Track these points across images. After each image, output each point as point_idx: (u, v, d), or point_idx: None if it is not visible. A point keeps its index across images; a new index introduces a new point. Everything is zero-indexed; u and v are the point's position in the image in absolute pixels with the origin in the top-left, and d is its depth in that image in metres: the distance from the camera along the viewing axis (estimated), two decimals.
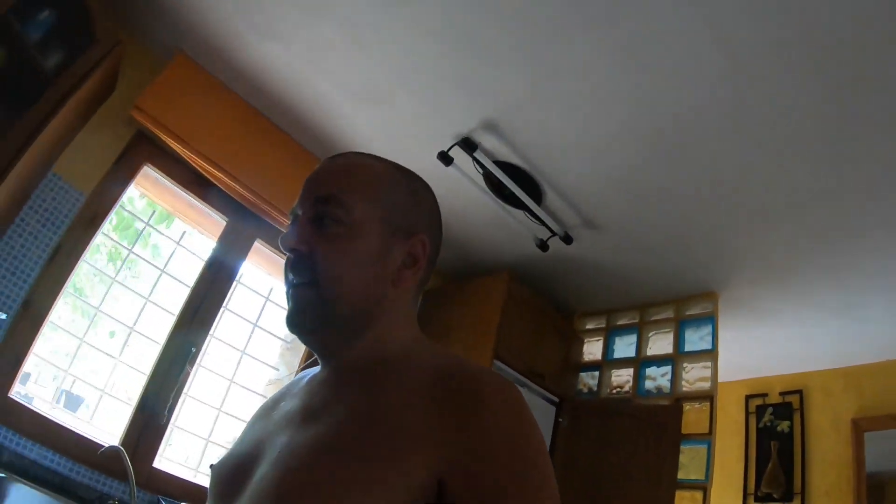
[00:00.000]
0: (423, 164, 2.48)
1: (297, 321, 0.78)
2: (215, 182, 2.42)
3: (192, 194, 2.48)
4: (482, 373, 0.69)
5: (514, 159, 2.36)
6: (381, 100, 2.30)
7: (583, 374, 3.00)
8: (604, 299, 3.07)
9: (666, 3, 1.63)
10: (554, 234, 2.58)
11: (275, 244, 2.70)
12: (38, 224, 2.20)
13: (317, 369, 0.86)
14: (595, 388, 2.92)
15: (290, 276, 0.79)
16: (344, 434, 0.66)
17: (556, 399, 2.82)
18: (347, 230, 0.77)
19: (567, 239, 2.60)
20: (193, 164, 2.36)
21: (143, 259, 2.51)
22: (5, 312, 2.00)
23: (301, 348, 2.78)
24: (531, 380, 2.71)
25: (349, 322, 0.77)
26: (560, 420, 2.77)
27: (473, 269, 3.16)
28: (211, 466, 0.81)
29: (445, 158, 2.34)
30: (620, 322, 3.03)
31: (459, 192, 2.59)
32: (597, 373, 2.95)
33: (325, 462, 0.63)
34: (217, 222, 2.57)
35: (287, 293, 0.80)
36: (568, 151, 2.26)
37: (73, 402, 2.36)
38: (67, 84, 2.05)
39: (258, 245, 2.66)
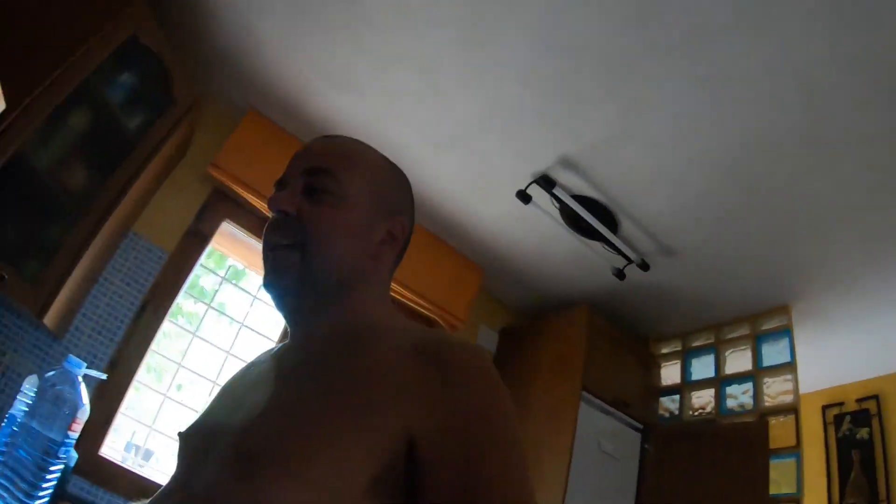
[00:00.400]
0: (501, 203, 2.49)
1: (277, 281, 0.79)
2: None
3: None
4: (460, 342, 0.71)
5: (590, 193, 2.35)
6: (460, 144, 2.30)
7: (663, 399, 2.96)
8: (678, 323, 3.03)
9: (740, 37, 1.65)
10: (630, 261, 2.56)
11: None
12: (122, 283, 2.23)
13: (285, 343, 0.87)
14: (677, 412, 2.87)
15: (274, 238, 0.80)
16: (317, 390, 0.66)
17: (640, 426, 2.79)
18: (336, 200, 0.79)
19: (644, 266, 2.58)
20: None
21: (215, 309, 2.51)
22: (96, 370, 2.01)
23: None
24: (617, 409, 2.69)
25: (327, 288, 0.79)
26: (646, 447, 2.74)
27: (553, 304, 3.15)
28: (179, 434, 0.80)
29: (524, 197, 2.33)
30: (696, 344, 2.99)
31: (537, 228, 2.60)
32: (677, 396, 2.91)
33: (295, 415, 0.63)
34: None
35: (266, 255, 0.81)
36: (645, 182, 2.25)
37: (145, 455, 2.37)
38: (150, 145, 2.10)
39: None
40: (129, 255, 2.26)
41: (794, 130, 1.90)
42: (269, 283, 0.80)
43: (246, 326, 2.46)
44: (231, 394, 0.82)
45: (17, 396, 1.95)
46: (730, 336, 2.90)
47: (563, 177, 2.31)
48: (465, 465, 0.60)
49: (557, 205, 2.38)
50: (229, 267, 2.56)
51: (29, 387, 1.92)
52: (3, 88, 1.29)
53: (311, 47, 2.13)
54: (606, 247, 2.52)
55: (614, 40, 1.76)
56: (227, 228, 2.42)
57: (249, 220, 2.44)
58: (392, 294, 2.66)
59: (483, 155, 2.33)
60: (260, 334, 2.46)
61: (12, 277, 1.70)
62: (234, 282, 2.56)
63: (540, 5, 1.74)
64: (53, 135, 1.82)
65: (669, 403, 2.92)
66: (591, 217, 2.36)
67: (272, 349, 0.91)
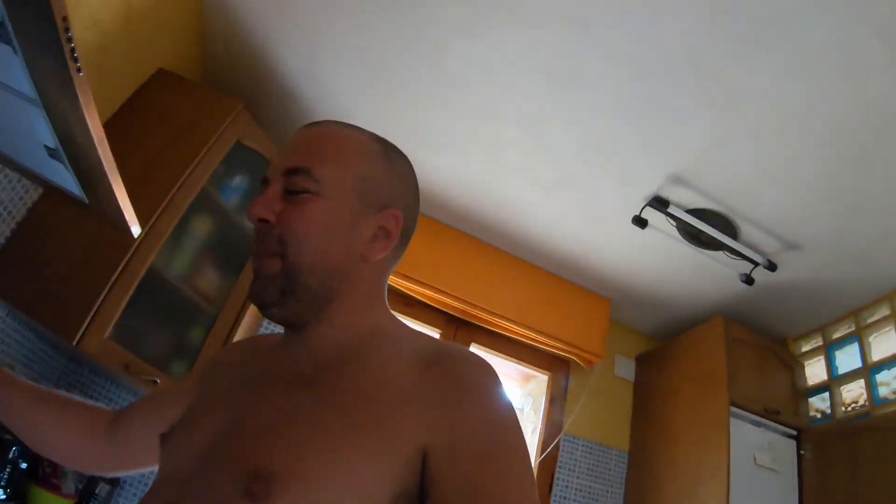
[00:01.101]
0: (618, 233, 2.47)
1: (260, 294, 0.73)
2: (423, 300, 2.52)
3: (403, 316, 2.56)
4: (465, 354, 0.71)
5: (704, 204, 2.28)
6: (567, 184, 2.29)
7: (812, 400, 2.82)
8: (814, 317, 2.88)
9: (818, 11, 1.54)
10: (756, 264, 2.45)
11: (492, 346, 2.76)
12: None
13: (274, 336, 0.84)
14: (828, 411, 2.73)
15: (257, 248, 0.75)
16: (327, 406, 0.64)
17: (793, 432, 2.66)
18: (316, 199, 0.73)
19: (771, 266, 2.46)
20: (401, 289, 2.46)
21: None
22: None
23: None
24: (768, 418, 2.57)
25: (314, 295, 0.73)
26: (802, 453, 2.61)
27: (686, 322, 3.07)
28: (161, 436, 0.75)
29: (640, 222, 2.29)
30: (837, 335, 2.83)
31: (658, 250, 2.55)
32: (826, 394, 2.76)
33: (310, 433, 0.61)
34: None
35: (254, 265, 0.76)
36: (757, 182, 2.16)
37: None
38: None
39: (473, 349, 2.72)
40: None
41: None
42: (254, 297, 0.74)
43: None
44: (226, 394, 0.76)
45: None
46: (870, 320, 2.74)
47: (675, 194, 2.25)
48: (473, 481, 0.59)
49: (674, 223, 2.31)
50: None
51: None
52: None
53: (405, 120, 2.20)
54: (730, 254, 2.43)
55: (695, 46, 1.70)
56: None
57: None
58: (524, 339, 2.68)
59: (592, 190, 2.31)
60: None
61: (164, 381, 1.80)
62: None
63: (614, 32, 1.72)
64: (181, 245, 1.93)
65: (819, 403, 2.78)
66: (709, 228, 2.29)
67: (261, 340, 0.89)
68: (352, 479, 0.58)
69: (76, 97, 0.94)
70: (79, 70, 0.91)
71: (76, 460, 0.96)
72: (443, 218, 2.67)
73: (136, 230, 1.37)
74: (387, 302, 0.83)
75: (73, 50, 0.88)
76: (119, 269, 1.63)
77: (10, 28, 0.89)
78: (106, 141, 1.08)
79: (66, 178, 1.20)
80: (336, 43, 1.99)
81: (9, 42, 0.91)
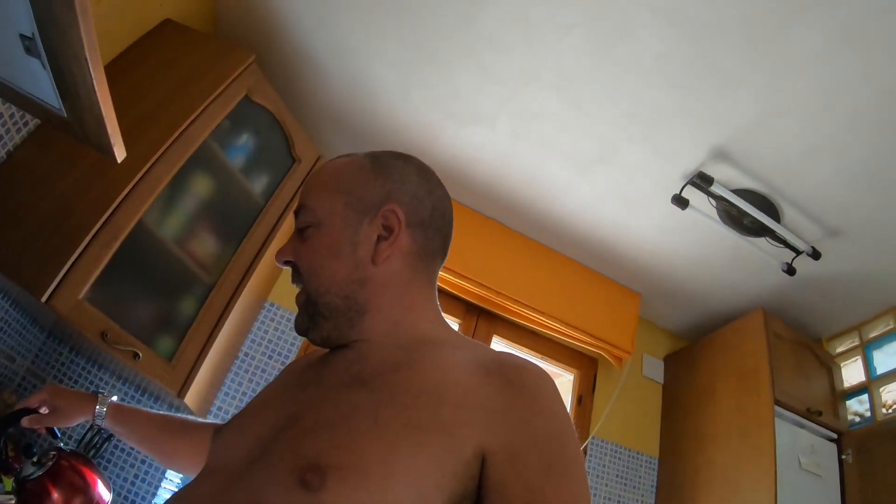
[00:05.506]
0: (655, 216, 2.32)
1: (297, 323, 0.82)
2: (442, 285, 2.32)
3: None
4: (526, 363, 0.70)
5: (747, 184, 2.10)
6: (605, 160, 2.12)
7: (849, 402, 2.64)
8: (852, 314, 2.69)
9: None
10: (799, 252, 2.29)
11: (515, 340, 2.60)
12: (264, 356, 2.14)
13: (329, 352, 0.83)
14: (868, 414, 2.55)
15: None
16: (384, 405, 0.64)
17: (834, 435, 2.49)
18: (316, 229, 0.79)
19: (815, 254, 2.29)
20: None
21: None
22: None
23: None
24: (811, 419, 2.39)
25: (340, 311, 0.77)
26: (844, 457, 2.43)
27: (721, 317, 2.87)
28: (216, 429, 0.85)
29: (681, 202, 2.11)
30: (875, 333, 2.66)
31: (695, 237, 2.39)
32: (865, 396, 2.58)
33: (367, 430, 0.61)
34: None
35: None
36: (804, 159, 1.97)
37: None
38: (278, 208, 1.99)
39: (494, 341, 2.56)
40: (269, 326, 2.16)
41: None
42: (295, 327, 0.82)
43: None
44: (278, 397, 0.79)
45: (161, 484, 1.86)
46: None
47: (718, 171, 2.07)
48: (534, 489, 0.59)
49: (715, 204, 2.15)
50: None
51: None
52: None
53: (430, 85, 2.05)
54: (772, 241, 2.26)
55: (749, 5, 1.54)
56: None
57: None
58: (549, 333, 2.47)
59: (631, 166, 2.14)
60: None
61: (147, 356, 1.57)
62: None
63: None
64: (176, 204, 1.72)
65: (857, 406, 2.60)
66: (754, 210, 2.11)
67: (318, 352, 0.88)
68: (409, 476, 0.57)
69: None
70: None
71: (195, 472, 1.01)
72: (465, 199, 2.49)
73: (119, 153, 1.15)
74: (439, 308, 0.85)
75: None
76: (102, 219, 1.41)
77: None
78: (91, 19, 0.87)
79: (42, 84, 1.00)
80: None
81: None
